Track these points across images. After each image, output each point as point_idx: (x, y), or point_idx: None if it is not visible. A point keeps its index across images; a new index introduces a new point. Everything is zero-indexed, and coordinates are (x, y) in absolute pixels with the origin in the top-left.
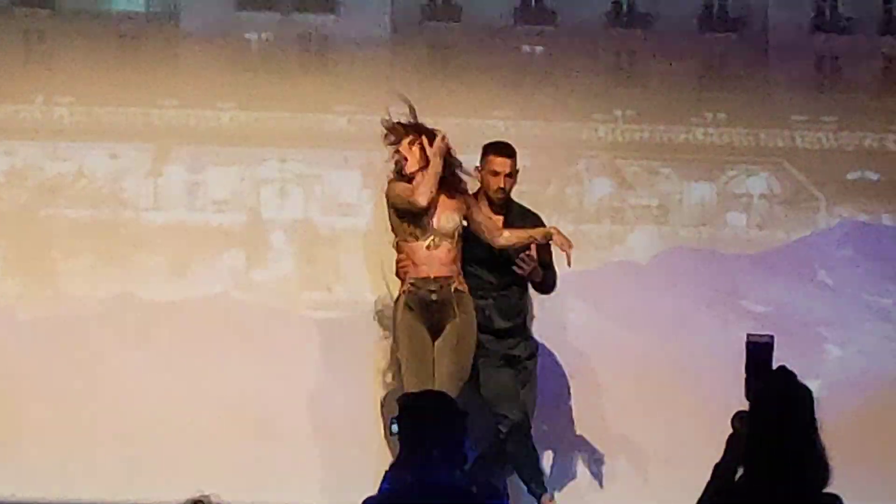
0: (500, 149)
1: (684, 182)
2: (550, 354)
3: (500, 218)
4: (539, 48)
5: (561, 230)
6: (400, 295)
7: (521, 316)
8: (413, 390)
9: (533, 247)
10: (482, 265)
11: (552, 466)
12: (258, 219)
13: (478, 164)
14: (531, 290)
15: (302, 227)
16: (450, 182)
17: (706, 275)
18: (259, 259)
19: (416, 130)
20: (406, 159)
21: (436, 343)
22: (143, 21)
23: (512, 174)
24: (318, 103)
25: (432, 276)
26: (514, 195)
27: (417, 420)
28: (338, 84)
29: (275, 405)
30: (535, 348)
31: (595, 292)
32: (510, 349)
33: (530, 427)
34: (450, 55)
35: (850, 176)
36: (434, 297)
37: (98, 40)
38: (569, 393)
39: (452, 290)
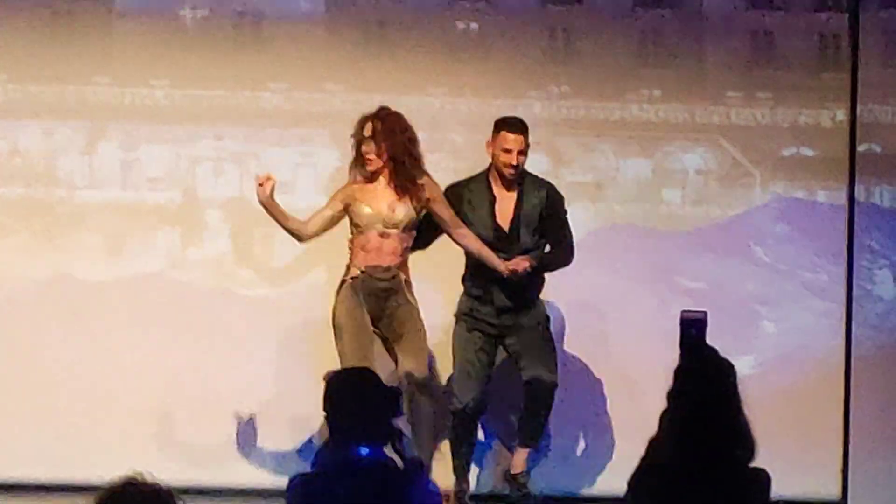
0: (513, 125)
1: (620, 158)
2: None
3: (514, 194)
4: (474, 25)
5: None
6: (345, 280)
7: (526, 293)
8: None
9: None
10: (486, 245)
11: (478, 448)
12: (194, 197)
13: (488, 138)
14: None
15: (238, 205)
16: (403, 175)
17: (641, 251)
18: (195, 237)
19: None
20: (370, 160)
21: (387, 337)
22: None
23: (524, 151)
24: (253, 80)
25: (383, 265)
26: (450, 173)
27: (341, 398)
28: (273, 61)
29: (211, 384)
30: (538, 320)
31: None
32: (505, 321)
33: (480, 412)
34: (385, 32)
35: (785, 152)
36: (382, 285)
37: (31, 17)
38: (500, 371)
39: (402, 279)
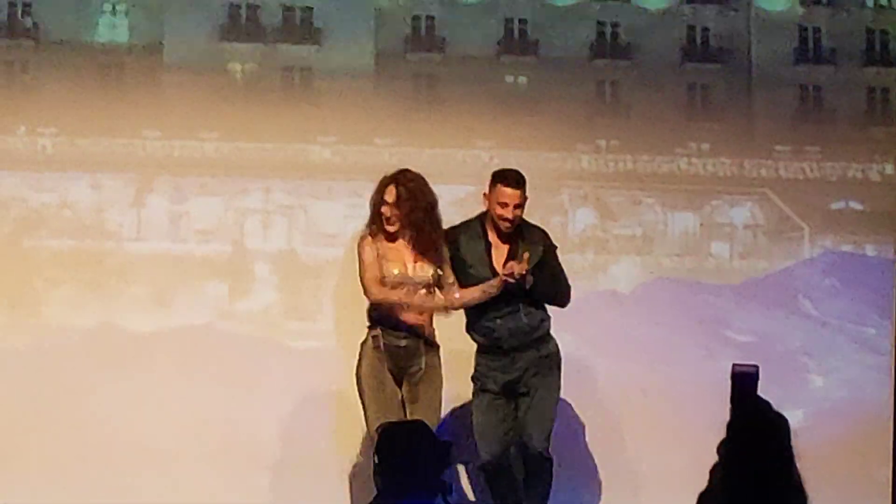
0: (509, 179)
1: (668, 212)
2: None
3: (507, 247)
4: (522, 78)
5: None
6: (367, 339)
7: (531, 334)
8: (372, 426)
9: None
10: None
11: None
12: (242, 249)
13: (486, 190)
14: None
15: (286, 257)
16: (424, 239)
17: (690, 304)
18: (243, 289)
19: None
20: (392, 223)
21: (405, 395)
22: (126, 52)
23: (520, 205)
24: (301, 134)
25: (402, 324)
26: None
27: (394, 451)
28: (321, 114)
29: (258, 436)
30: (547, 354)
31: (578, 322)
32: (516, 369)
33: (504, 465)
34: (433, 85)
35: (833, 206)
36: (403, 343)
37: (81, 71)
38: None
39: (422, 340)
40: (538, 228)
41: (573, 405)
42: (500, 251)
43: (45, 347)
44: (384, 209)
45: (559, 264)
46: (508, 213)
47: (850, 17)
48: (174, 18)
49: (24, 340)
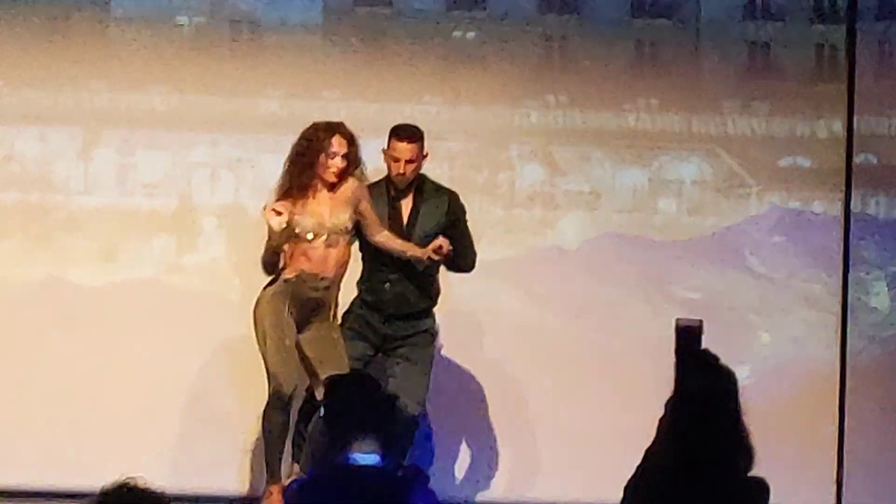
0: (403, 133)
1: (616, 168)
2: (478, 340)
3: (410, 200)
4: (471, 34)
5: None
6: (275, 280)
7: (415, 305)
8: (278, 379)
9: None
10: (380, 250)
11: (478, 456)
12: (189, 203)
13: (384, 146)
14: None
15: (233, 211)
16: (345, 186)
17: (637, 261)
18: (190, 243)
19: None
20: (336, 173)
21: (306, 340)
22: (73, 3)
23: (414, 160)
24: (249, 87)
25: (321, 275)
26: (446, 181)
27: (342, 403)
28: (269, 68)
29: (205, 390)
30: (425, 328)
31: (525, 278)
32: (392, 330)
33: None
34: (381, 40)
35: (781, 163)
36: (315, 294)
37: (27, 22)
38: (496, 380)
39: (332, 294)
40: (446, 191)
41: (518, 362)
42: (401, 211)
43: None
44: (336, 160)
45: (466, 231)
46: (401, 168)
47: None
48: None
49: None
